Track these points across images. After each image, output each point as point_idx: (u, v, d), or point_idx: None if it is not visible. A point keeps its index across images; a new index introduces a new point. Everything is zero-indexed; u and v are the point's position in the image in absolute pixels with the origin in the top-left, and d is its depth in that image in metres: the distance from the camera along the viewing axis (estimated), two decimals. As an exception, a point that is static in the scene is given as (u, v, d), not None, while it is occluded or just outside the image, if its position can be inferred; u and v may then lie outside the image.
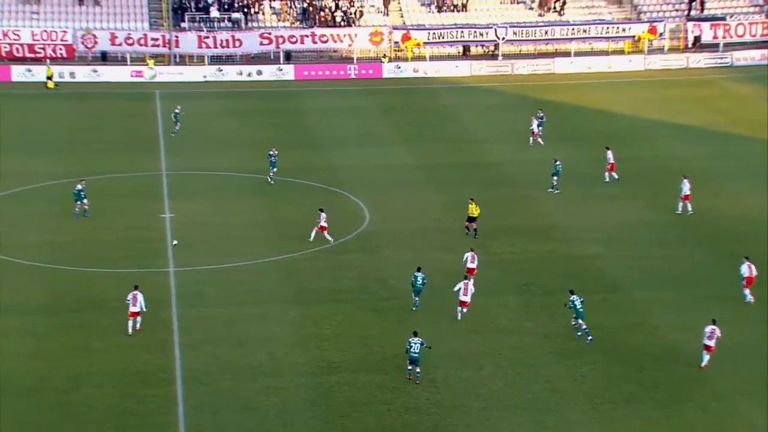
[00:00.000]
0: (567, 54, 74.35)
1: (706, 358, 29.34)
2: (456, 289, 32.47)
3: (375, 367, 29.44)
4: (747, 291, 33.50)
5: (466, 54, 75.16)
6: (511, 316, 32.91)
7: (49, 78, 64.95)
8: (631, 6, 79.20)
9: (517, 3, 78.67)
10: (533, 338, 31.42)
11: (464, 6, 77.70)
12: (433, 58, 74.04)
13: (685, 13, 77.88)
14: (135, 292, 31.50)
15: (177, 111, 54.85)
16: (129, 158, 49.93)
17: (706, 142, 52.93)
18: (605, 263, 37.21)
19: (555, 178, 44.91)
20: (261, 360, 29.79)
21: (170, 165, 48.96)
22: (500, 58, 73.79)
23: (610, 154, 46.64)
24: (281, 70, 70.41)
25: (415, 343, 28.47)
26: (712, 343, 29.20)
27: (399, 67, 72.01)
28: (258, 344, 30.76)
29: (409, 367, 28.59)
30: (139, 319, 31.45)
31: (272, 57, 72.37)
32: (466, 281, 32.67)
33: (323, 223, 38.60)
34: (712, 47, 74.78)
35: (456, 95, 64.73)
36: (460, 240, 39.28)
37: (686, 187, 41.73)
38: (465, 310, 32.42)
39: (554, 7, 77.98)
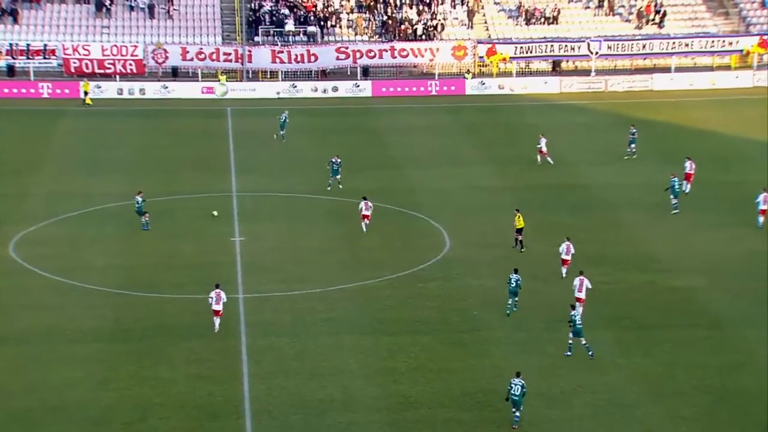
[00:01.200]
0: (667, 69, 73.41)
1: None
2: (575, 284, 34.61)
3: (455, 404, 29.30)
4: None
5: (555, 70, 74.83)
6: (603, 351, 32.42)
7: (86, 94, 66.42)
8: (739, 17, 77.84)
9: (612, 15, 78.10)
10: (627, 376, 30.92)
11: (555, 18, 77.42)
12: (520, 73, 73.91)
13: (799, 24, 76.28)
14: (217, 290, 33.60)
15: (284, 115, 57.48)
16: (199, 178, 50.95)
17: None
18: (708, 296, 36.43)
19: (673, 198, 44.69)
20: (333, 394, 29.94)
21: (241, 185, 49.79)
22: (593, 74, 73.25)
23: (688, 164, 47.60)
24: (358, 86, 71.13)
25: (516, 385, 28.05)
26: None
27: (483, 84, 72.04)
28: (330, 377, 30.92)
29: (516, 413, 27.93)
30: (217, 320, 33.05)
31: (349, 72, 73.21)
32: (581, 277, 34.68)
33: (366, 212, 41.79)
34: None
35: (544, 113, 64.41)
36: (548, 266, 38.95)
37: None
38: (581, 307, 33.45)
39: (653, 19, 77.16)
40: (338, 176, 48.27)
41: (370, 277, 38.59)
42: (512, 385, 28.20)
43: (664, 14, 77.02)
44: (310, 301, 36.49)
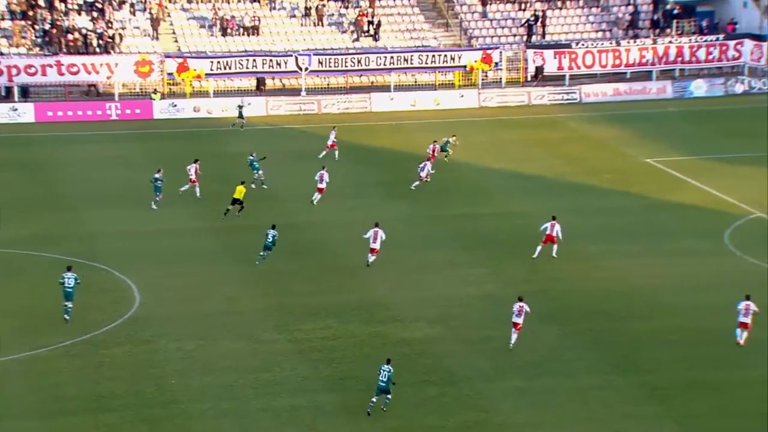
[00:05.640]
0: (386, 88, 76.45)
1: (744, 335, 36.89)
2: (366, 236, 42.51)
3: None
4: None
5: (260, 88, 75.81)
6: (322, 422, 32.93)
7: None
8: (461, 30, 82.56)
9: (323, 25, 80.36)
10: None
11: (256, 29, 78.49)
12: (218, 93, 74.25)
13: (524, 38, 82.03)
14: None
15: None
16: None
17: (558, 195, 55.44)
18: (442, 348, 38.02)
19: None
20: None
21: None
22: (304, 93, 74.91)
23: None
24: (16, 109, 68.73)
25: (384, 371, 32.49)
26: (748, 319, 36.93)
27: (175, 106, 71.80)
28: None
29: (374, 399, 32.17)
30: None
31: (3, 93, 70.36)
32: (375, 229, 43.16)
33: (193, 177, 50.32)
34: (557, 80, 78.99)
35: (249, 139, 64.96)
36: (261, 324, 39.26)
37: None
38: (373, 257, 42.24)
39: (367, 31, 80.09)
40: (160, 194, 51.09)
41: (40, 345, 37.17)
42: (380, 371, 32.34)
43: (379, 25, 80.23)
44: (-35, 380, 34.55)
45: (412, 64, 76.93)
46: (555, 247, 45.69)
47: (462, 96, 76.43)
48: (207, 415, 33.09)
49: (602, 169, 59.41)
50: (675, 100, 77.70)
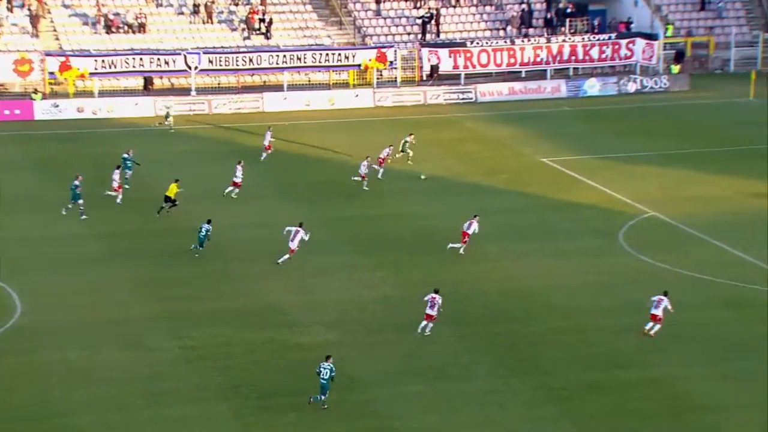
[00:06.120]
0: (279, 87, 76.17)
1: (657, 328, 38.15)
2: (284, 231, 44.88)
3: None
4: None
5: (148, 88, 74.89)
6: (218, 430, 32.69)
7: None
8: (354, 28, 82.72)
9: (212, 23, 79.73)
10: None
11: (142, 26, 77.52)
12: (103, 93, 73.16)
13: (419, 37, 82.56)
14: None
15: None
16: None
17: (455, 195, 55.83)
18: (338, 353, 37.97)
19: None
20: None
21: None
22: (194, 93, 74.24)
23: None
24: None
25: (324, 369, 33.05)
26: (658, 311, 38.17)
27: (57, 106, 70.61)
28: None
29: (320, 397, 32.94)
30: None
31: None
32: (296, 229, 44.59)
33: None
34: (453, 79, 79.64)
35: (139, 141, 64.13)
36: (151, 332, 38.80)
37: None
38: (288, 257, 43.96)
39: (259, 29, 79.73)
40: (80, 200, 50.04)
41: None
42: (321, 369, 32.97)
43: (271, 23, 79.92)
44: None
45: (305, 62, 76.79)
46: (463, 245, 46.61)
47: (357, 95, 76.56)
48: (92, 428, 32.48)
49: (499, 169, 60.04)
50: (569, 99, 78.98)
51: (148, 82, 75.01)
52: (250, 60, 75.88)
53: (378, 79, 78.20)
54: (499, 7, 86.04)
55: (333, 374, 33.27)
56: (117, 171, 53.33)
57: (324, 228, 49.40)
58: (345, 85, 78.09)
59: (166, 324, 39.71)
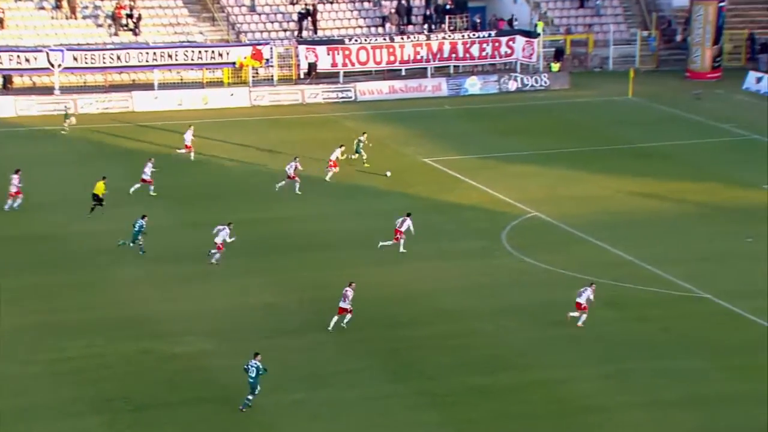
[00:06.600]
0: (150, 86, 75.16)
1: (583, 317, 39.72)
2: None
3: None
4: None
5: (7, 87, 73.35)
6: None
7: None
8: (228, 24, 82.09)
9: (77, 18, 78.30)
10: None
11: (0, 21, 75.71)
12: (-39, 92, 71.39)
13: (296, 34, 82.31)
14: None
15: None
16: None
17: (336, 197, 55.79)
18: (217, 363, 37.65)
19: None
20: None
21: None
22: (57, 92, 72.80)
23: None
24: None
25: (252, 367, 33.41)
26: (582, 300, 39.84)
27: None
28: None
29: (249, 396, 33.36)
30: None
31: None
32: None
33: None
34: (331, 77, 79.61)
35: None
36: (17, 344, 38.00)
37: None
38: None
39: (126, 25, 78.55)
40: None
41: None
42: (249, 367, 33.31)
43: (140, 18, 78.82)
44: None
45: (176, 60, 75.86)
46: (402, 242, 47.04)
47: (232, 94, 75.98)
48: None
49: (381, 170, 60.20)
50: (450, 97, 79.61)
51: (7, 80, 73.43)
52: (119, 57, 74.63)
53: (254, 77, 77.71)
54: (377, 3, 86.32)
55: (261, 372, 33.52)
56: (16, 175, 51.71)
57: (197, 232, 48.70)
58: (219, 83, 77.44)
59: (34, 335, 38.85)
